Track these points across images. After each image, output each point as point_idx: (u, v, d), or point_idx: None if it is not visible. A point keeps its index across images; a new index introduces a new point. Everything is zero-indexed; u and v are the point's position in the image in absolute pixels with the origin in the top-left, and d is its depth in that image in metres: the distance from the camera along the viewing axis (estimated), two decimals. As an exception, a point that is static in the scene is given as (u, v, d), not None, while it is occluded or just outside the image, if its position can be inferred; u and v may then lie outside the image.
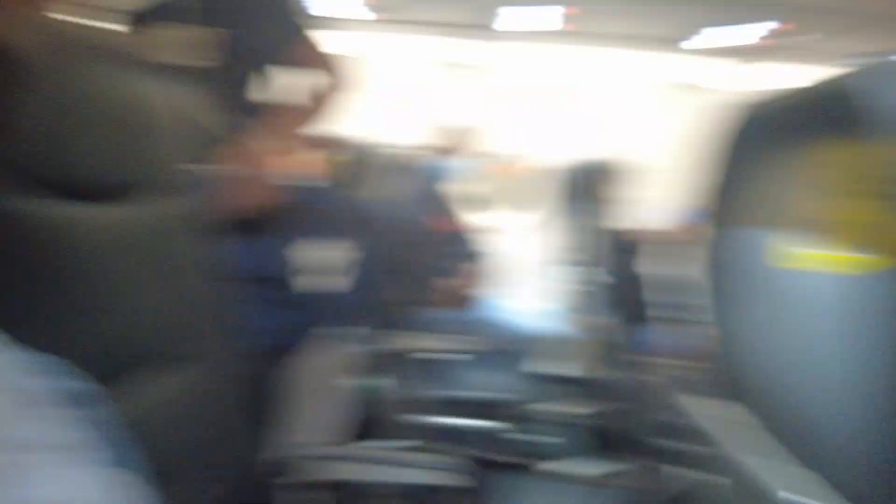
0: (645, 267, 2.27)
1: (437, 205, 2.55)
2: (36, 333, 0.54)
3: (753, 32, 2.72)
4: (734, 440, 0.76)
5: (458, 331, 2.23)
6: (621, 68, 3.29)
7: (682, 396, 0.99)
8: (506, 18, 3.59)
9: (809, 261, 0.64)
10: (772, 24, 2.64)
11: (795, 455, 0.66)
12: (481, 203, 2.91)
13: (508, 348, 2.23)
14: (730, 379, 0.83)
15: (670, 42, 3.01)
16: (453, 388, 1.95)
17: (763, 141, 0.75)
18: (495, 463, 2.11)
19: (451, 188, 2.62)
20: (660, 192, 2.38)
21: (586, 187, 1.98)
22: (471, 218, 2.64)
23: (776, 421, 0.73)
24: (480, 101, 3.14)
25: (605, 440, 2.25)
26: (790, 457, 0.67)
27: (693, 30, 2.85)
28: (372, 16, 3.16)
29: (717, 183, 0.82)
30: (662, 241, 2.28)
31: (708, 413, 0.87)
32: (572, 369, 2.80)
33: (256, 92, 1.49)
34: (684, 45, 3.04)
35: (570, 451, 2.28)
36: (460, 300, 2.39)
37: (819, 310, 0.63)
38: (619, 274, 2.04)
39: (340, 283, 1.51)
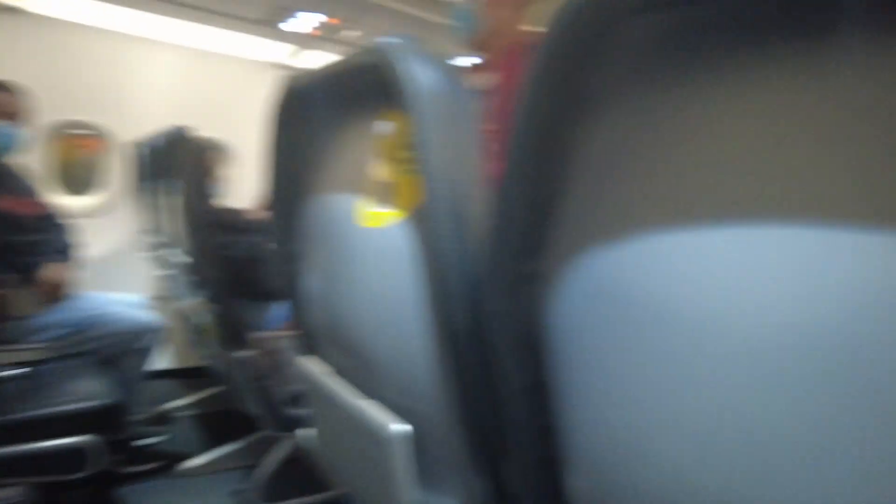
0: (263, 244, 2.29)
1: (11, 183, 2.06)
2: None
3: (308, 22, 2.97)
4: (335, 388, 0.84)
5: (44, 337, 1.89)
6: (212, 44, 3.15)
7: (293, 361, 1.04)
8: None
9: (364, 219, 0.74)
10: (322, 17, 2.92)
11: (360, 390, 0.76)
12: (46, 182, 2.48)
13: (109, 349, 1.99)
14: (309, 335, 0.91)
15: (262, 24, 3.03)
16: (45, 405, 1.65)
17: (314, 113, 0.82)
18: (122, 475, 1.90)
19: (14, 162, 2.14)
20: (251, 169, 2.40)
21: (167, 164, 1.86)
22: (49, 199, 2.21)
23: (343, 364, 0.82)
24: (34, 58, 2.58)
25: (228, 423, 2.23)
26: (358, 392, 0.77)
27: (286, 13, 2.93)
28: None
29: (280, 157, 0.87)
30: (253, 218, 2.33)
31: (309, 371, 0.93)
32: (181, 360, 2.69)
33: None
34: (281, 27, 3.10)
35: (195, 444, 2.19)
36: (48, 299, 2.01)
37: (368, 261, 0.72)
38: (231, 252, 2.01)
39: None
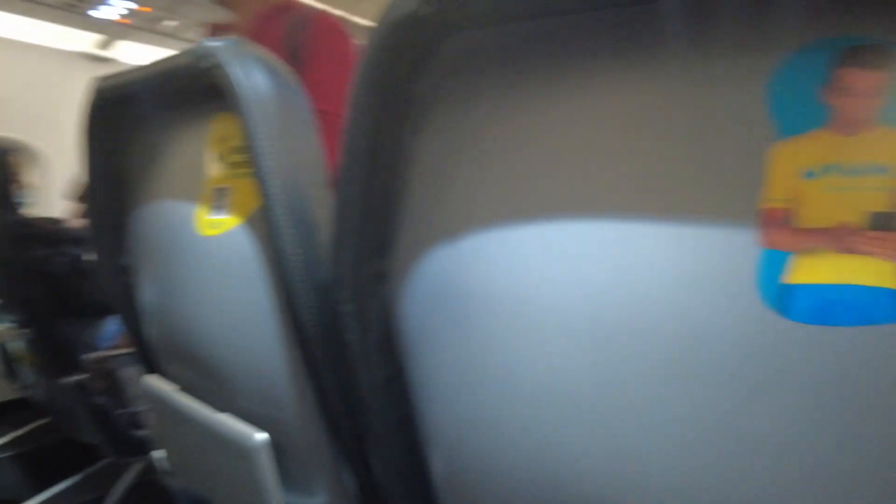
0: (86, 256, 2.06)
1: None
2: None
3: (114, 9, 2.72)
4: (185, 405, 0.79)
5: None
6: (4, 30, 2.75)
7: (135, 380, 0.97)
8: None
9: (201, 226, 0.71)
10: (131, 4, 2.68)
11: (211, 404, 0.74)
12: None
13: None
14: (148, 352, 0.85)
15: (68, 10, 2.71)
16: None
17: (137, 116, 0.77)
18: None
19: None
20: (62, 174, 2.16)
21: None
22: None
23: (190, 379, 0.79)
24: None
25: (60, 457, 2.01)
26: (208, 407, 0.74)
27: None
28: None
29: (100, 164, 0.80)
30: (74, 228, 2.11)
31: (153, 389, 0.87)
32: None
33: None
34: (92, 13, 2.79)
35: (21, 487, 1.96)
36: None
37: (210, 270, 0.70)
38: (51, 267, 1.80)
39: None
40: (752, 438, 0.34)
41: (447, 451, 0.54)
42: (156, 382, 0.85)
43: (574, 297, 0.39)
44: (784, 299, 0.32)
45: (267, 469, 0.68)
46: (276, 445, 0.68)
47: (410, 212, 0.49)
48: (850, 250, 0.30)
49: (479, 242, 0.43)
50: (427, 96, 0.45)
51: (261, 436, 0.67)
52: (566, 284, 0.39)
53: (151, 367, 0.88)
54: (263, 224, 0.58)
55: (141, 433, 1.49)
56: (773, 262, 0.32)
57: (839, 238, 0.30)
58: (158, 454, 0.91)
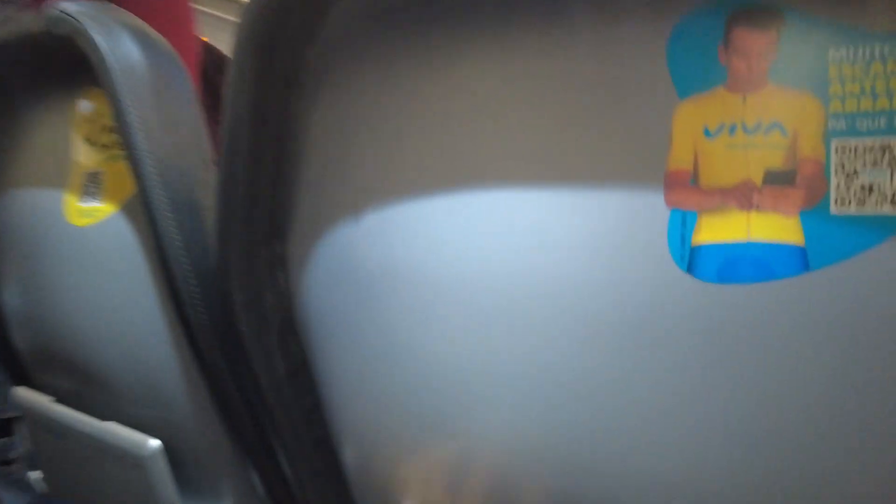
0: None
1: None
2: None
3: None
4: (64, 417, 0.72)
5: None
6: None
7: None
8: None
9: (73, 215, 0.64)
10: None
11: (93, 414, 0.68)
12: None
13: None
14: (14, 362, 0.77)
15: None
16: None
17: None
18: None
19: None
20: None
21: None
22: None
23: (66, 388, 0.72)
24: None
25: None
26: (90, 417, 0.68)
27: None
28: None
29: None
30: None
31: (24, 403, 0.78)
32: None
33: None
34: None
35: None
36: None
37: (85, 265, 0.64)
38: None
39: None
40: (670, 402, 0.34)
41: (358, 440, 0.51)
42: (27, 395, 0.77)
43: (484, 270, 0.37)
44: (692, 260, 0.32)
45: (163, 478, 0.63)
46: (172, 452, 0.64)
47: (309, 190, 0.46)
48: (751, 207, 0.30)
49: (382, 219, 0.41)
50: (321, 63, 0.42)
51: (154, 443, 0.62)
52: (476, 258, 0.38)
53: (21, 378, 0.79)
54: (142, 210, 0.53)
55: (13, 454, 1.36)
56: (682, 224, 0.32)
57: (740, 196, 0.30)
58: (35, 475, 0.83)
